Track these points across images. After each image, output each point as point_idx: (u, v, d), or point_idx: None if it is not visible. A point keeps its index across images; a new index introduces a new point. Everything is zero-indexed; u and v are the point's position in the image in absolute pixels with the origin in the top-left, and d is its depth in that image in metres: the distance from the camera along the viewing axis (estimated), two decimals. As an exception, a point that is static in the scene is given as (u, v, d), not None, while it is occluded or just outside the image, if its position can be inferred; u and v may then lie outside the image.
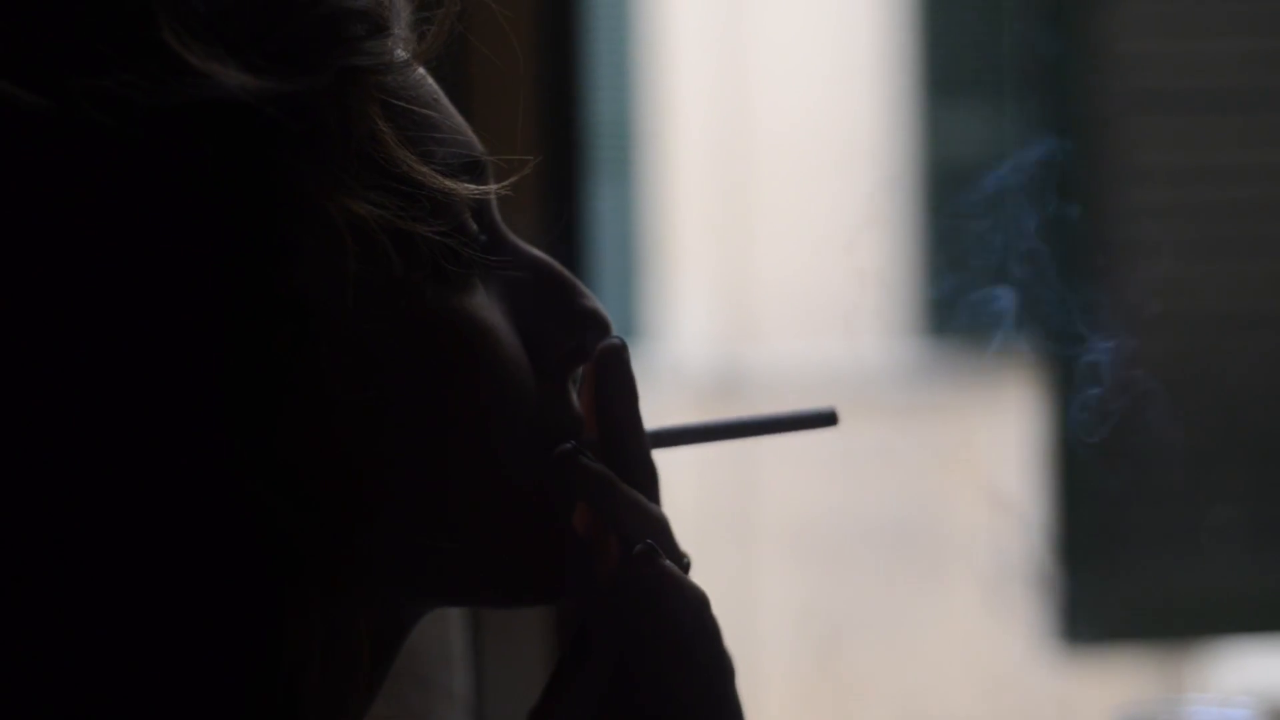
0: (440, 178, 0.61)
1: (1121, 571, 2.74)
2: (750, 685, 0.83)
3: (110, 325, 0.53)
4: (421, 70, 0.63)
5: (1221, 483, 2.76)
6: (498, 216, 0.66)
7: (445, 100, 0.64)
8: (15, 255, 0.53)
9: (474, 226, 0.63)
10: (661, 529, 0.68)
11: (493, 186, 0.66)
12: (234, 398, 0.55)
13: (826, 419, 0.78)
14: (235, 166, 0.55)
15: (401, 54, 0.62)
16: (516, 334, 0.63)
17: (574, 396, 0.66)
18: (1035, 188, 2.98)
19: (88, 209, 0.53)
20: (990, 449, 5.14)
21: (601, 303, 0.66)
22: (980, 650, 5.03)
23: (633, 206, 5.35)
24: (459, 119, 0.65)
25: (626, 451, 0.68)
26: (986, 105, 5.20)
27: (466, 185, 0.62)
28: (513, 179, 0.66)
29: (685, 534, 0.79)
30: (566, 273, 0.66)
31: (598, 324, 0.66)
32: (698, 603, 0.67)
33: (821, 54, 5.42)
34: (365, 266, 0.57)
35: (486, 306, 0.63)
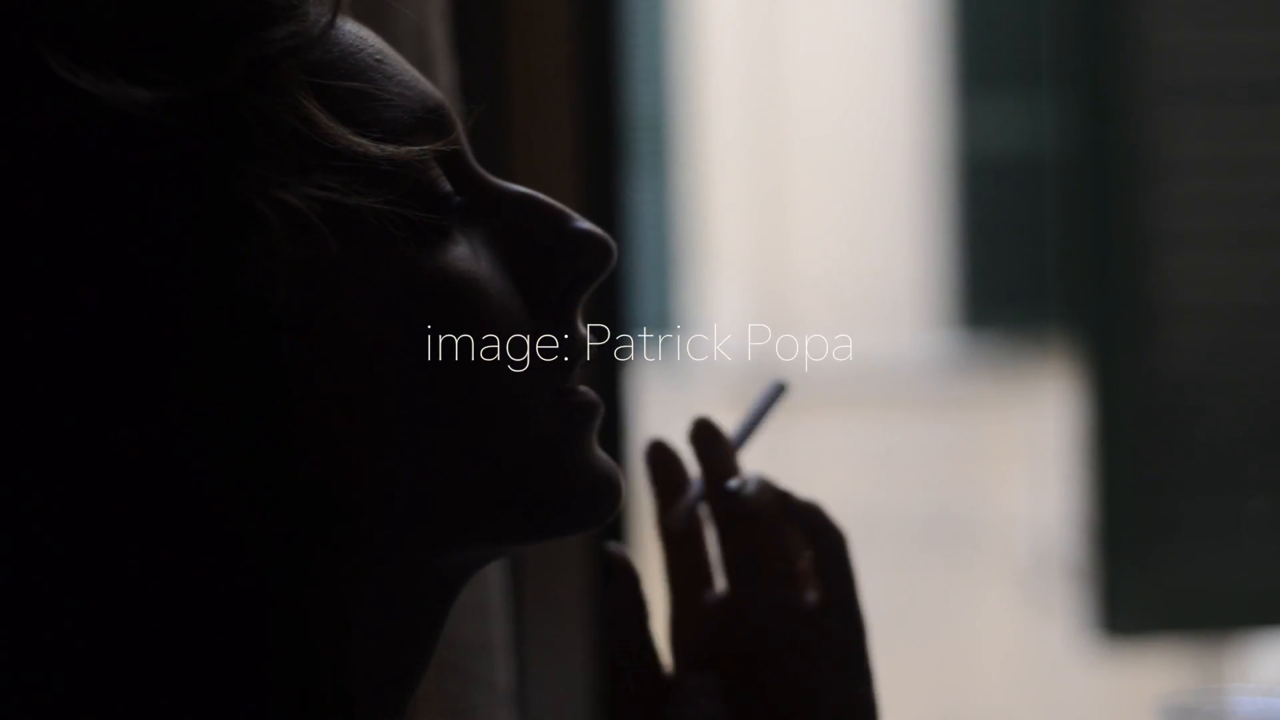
0: (383, 145, 0.60)
1: (1161, 562, 2.73)
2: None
3: (68, 353, 0.53)
4: (356, 33, 0.62)
5: (1260, 473, 2.75)
6: (473, 163, 0.65)
7: (391, 57, 0.63)
8: None
9: (441, 181, 0.62)
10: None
11: (472, 137, 0.65)
12: (215, 408, 0.54)
13: (780, 390, 0.82)
14: (155, 181, 0.54)
15: (318, 27, 0.60)
16: (509, 275, 0.63)
17: (580, 323, 0.65)
18: (1071, 179, 2.98)
19: (22, 244, 0.53)
20: (1028, 440, 5.13)
21: (596, 227, 0.65)
22: (1020, 642, 5.02)
23: (670, 201, 5.34)
24: (408, 74, 0.63)
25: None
26: (1023, 97, 5.19)
27: (418, 144, 0.61)
28: (469, 122, 0.65)
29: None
30: (552, 202, 0.65)
31: (592, 245, 0.64)
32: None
33: (857, 47, 5.41)
34: (314, 252, 0.57)
35: (464, 257, 0.62)
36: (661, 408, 4.89)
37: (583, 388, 0.65)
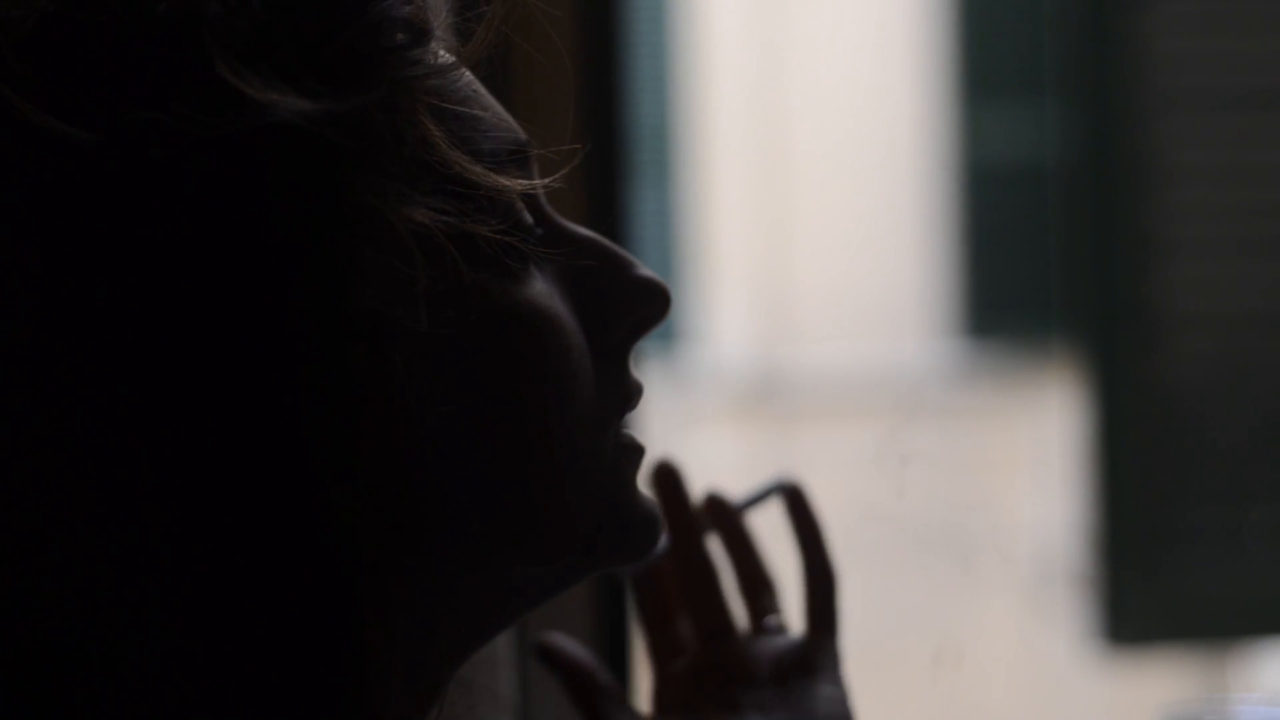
0: (493, 174, 0.61)
1: (1165, 571, 2.73)
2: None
3: (185, 355, 0.54)
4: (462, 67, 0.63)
5: (1264, 481, 2.75)
6: (545, 202, 0.66)
7: (485, 92, 0.65)
8: (79, 292, 0.54)
9: (528, 217, 0.63)
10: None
11: (542, 177, 0.66)
12: (314, 416, 0.55)
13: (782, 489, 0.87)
14: (296, 190, 0.55)
15: (446, 55, 0.62)
16: (575, 316, 0.64)
17: (633, 369, 0.66)
18: (1074, 187, 2.97)
19: (144, 244, 0.54)
20: (1032, 449, 5.13)
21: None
22: (1024, 652, 5.01)
23: (673, 210, 5.35)
24: (500, 109, 0.65)
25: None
26: (1026, 105, 5.19)
27: (518, 177, 0.63)
28: (565, 168, 0.67)
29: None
30: (616, 248, 0.66)
31: (653, 293, 0.66)
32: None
33: (860, 56, 5.42)
34: (432, 273, 0.58)
35: (546, 294, 0.63)
36: (665, 417, 4.90)
37: (629, 432, 0.67)
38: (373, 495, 0.56)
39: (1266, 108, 2.77)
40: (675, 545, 0.84)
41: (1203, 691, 3.36)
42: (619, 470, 0.66)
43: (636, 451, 0.67)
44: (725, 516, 0.85)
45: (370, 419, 0.56)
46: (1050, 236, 4.34)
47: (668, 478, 0.85)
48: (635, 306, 0.66)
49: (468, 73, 0.64)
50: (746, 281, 5.35)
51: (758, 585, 0.85)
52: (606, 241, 0.67)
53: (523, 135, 0.65)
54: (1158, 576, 2.73)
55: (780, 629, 0.83)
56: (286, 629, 0.55)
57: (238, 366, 0.55)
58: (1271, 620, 2.82)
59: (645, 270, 0.66)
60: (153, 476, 0.54)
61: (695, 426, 4.97)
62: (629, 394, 0.66)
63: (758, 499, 0.86)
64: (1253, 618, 2.80)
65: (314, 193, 0.55)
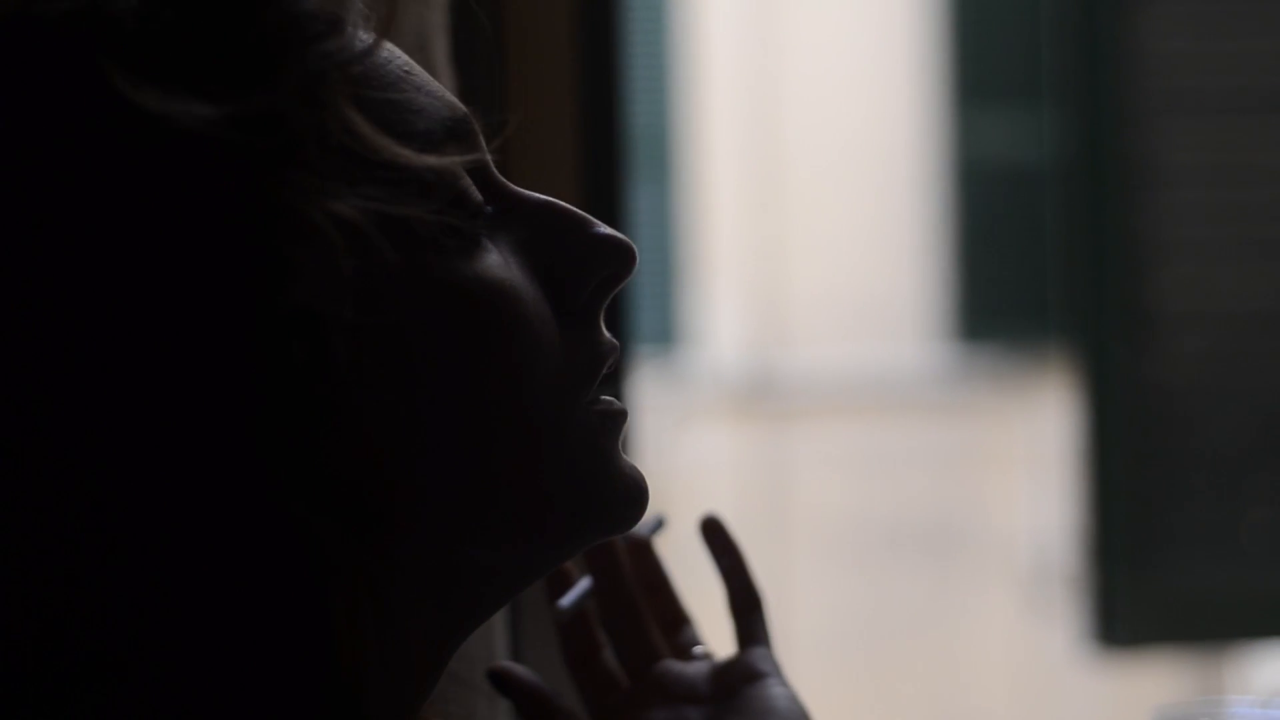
0: (425, 155, 0.60)
1: (1158, 572, 2.74)
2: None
3: (126, 367, 0.54)
4: (388, 46, 0.62)
5: (1257, 482, 2.76)
6: (495, 171, 0.65)
7: (417, 69, 0.64)
8: (10, 307, 0.54)
9: (473, 191, 0.63)
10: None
11: (490, 145, 0.65)
12: (260, 418, 0.55)
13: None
14: (212, 196, 0.55)
15: (363, 39, 0.61)
16: (536, 282, 0.63)
17: (603, 329, 0.65)
18: (1068, 190, 2.98)
19: (63, 261, 0.54)
20: (1025, 450, 5.13)
21: (626, 234, 0.66)
22: (1016, 651, 5.02)
23: (668, 213, 5.35)
24: (434, 84, 0.64)
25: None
26: (1020, 108, 5.19)
27: (454, 155, 0.62)
28: (499, 137, 0.66)
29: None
30: (573, 210, 0.66)
31: (615, 249, 0.65)
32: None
33: (855, 59, 5.42)
34: (370, 262, 0.58)
35: (499, 265, 0.62)
36: (661, 419, 4.90)
37: (608, 397, 0.65)
38: (330, 491, 0.56)
39: (1260, 109, 2.78)
40: (598, 582, 0.83)
41: (1195, 692, 3.36)
42: (596, 439, 0.64)
43: (616, 417, 0.66)
44: (639, 557, 0.84)
45: (319, 415, 0.56)
46: (1045, 239, 4.35)
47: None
48: (598, 265, 0.65)
49: (398, 54, 0.63)
50: (742, 284, 5.36)
51: (678, 621, 0.85)
52: (562, 204, 0.66)
53: (460, 111, 0.64)
54: (1151, 578, 2.73)
55: (708, 657, 0.83)
56: (252, 630, 0.55)
57: (176, 376, 0.54)
58: (1264, 621, 2.82)
59: (604, 228, 0.66)
60: (106, 483, 0.54)
61: (690, 428, 4.98)
62: (600, 355, 0.65)
63: (649, 534, 0.86)
64: (1245, 619, 2.80)
65: (231, 197, 0.55)
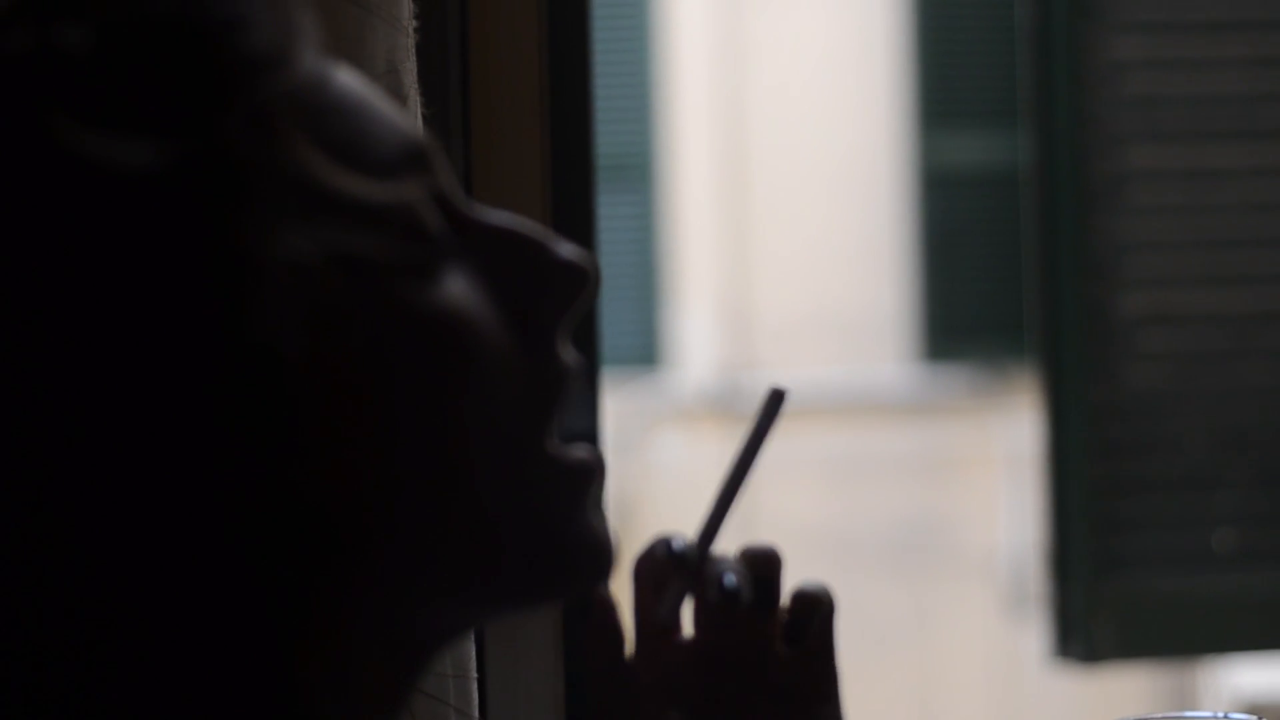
0: (381, 185, 0.60)
1: (1124, 589, 2.74)
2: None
3: (75, 409, 0.54)
4: (339, 75, 0.61)
5: (1222, 498, 2.77)
6: (456, 194, 0.64)
7: (373, 95, 0.62)
8: None
9: (432, 218, 0.61)
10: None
11: (445, 174, 0.64)
12: (216, 458, 0.54)
13: (779, 398, 0.82)
14: (161, 237, 0.54)
15: (316, 69, 0.59)
16: (497, 307, 0.62)
17: (562, 350, 0.64)
18: (1034, 199, 2.99)
19: (24, 306, 0.53)
20: (999, 460, 5.15)
21: (576, 255, 0.64)
22: (988, 662, 5.03)
23: (640, 230, 5.35)
24: (392, 113, 0.62)
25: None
26: (989, 124, 5.21)
27: (412, 182, 0.61)
28: (464, 157, 0.64)
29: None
30: (533, 231, 0.64)
31: (572, 272, 0.64)
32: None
33: (827, 78, 5.43)
34: (321, 296, 0.57)
35: (458, 295, 0.61)
36: (632, 438, 4.90)
37: (581, 445, 0.64)
38: (285, 528, 0.56)
39: (1224, 115, 2.80)
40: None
41: (1159, 705, 3.37)
42: (560, 489, 0.62)
43: (583, 472, 0.63)
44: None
45: (275, 453, 0.55)
46: (1015, 254, 4.37)
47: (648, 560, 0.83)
48: (555, 288, 0.63)
49: (352, 81, 0.61)
50: (714, 301, 5.36)
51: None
52: (522, 226, 0.64)
53: (417, 137, 0.62)
54: (1116, 594, 2.74)
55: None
56: (204, 668, 0.55)
57: (129, 418, 0.54)
58: (1229, 636, 2.83)
59: (564, 250, 0.64)
60: (59, 522, 0.54)
61: (662, 439, 4.97)
62: (558, 379, 0.63)
63: (763, 429, 0.84)
64: (1210, 634, 2.81)
65: (179, 238, 0.54)
